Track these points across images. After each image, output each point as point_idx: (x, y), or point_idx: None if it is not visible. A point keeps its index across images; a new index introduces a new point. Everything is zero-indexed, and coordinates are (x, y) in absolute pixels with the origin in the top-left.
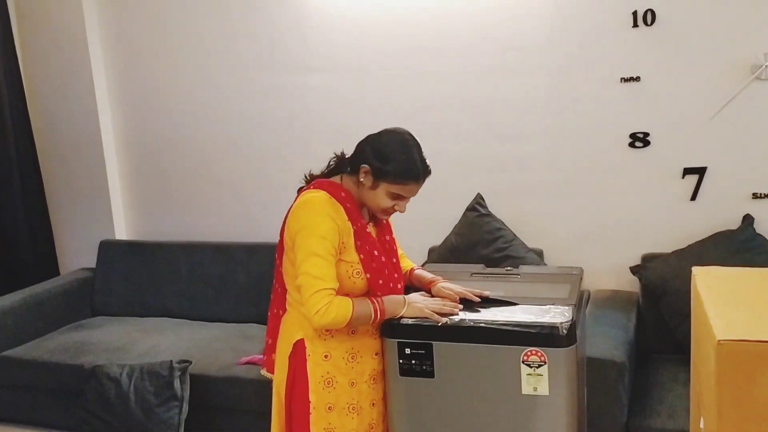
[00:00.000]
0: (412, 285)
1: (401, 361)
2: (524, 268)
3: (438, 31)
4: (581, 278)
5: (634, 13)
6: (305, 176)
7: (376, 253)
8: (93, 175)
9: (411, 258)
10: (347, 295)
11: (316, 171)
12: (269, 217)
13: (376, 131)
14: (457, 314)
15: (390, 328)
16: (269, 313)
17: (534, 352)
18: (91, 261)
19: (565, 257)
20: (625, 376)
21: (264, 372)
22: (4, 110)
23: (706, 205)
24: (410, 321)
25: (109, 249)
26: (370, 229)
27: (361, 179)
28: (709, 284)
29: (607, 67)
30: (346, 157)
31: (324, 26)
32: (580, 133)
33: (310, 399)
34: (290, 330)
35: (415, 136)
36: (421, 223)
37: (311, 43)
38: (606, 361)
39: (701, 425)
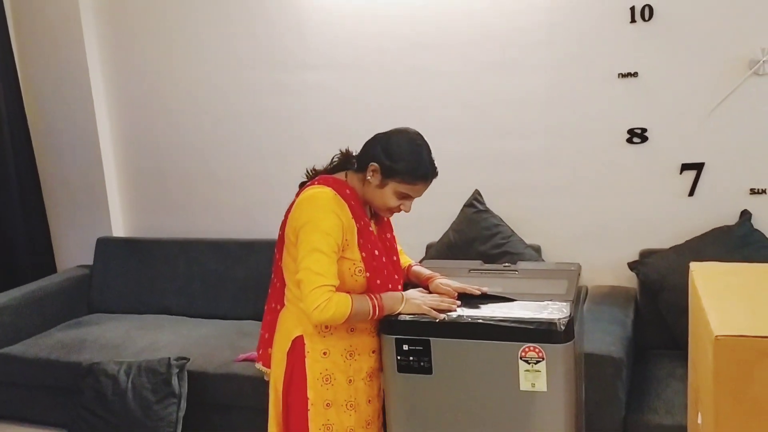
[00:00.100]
0: (409, 281)
1: (399, 357)
2: (522, 264)
3: (436, 29)
4: (579, 274)
5: (632, 9)
6: (307, 171)
7: (376, 252)
8: (90, 172)
9: (409, 254)
10: (348, 292)
11: (317, 167)
12: (267, 214)
13: (376, 129)
14: (455, 310)
15: (388, 324)
16: (266, 307)
17: (532, 348)
18: (88, 258)
19: (563, 253)
20: (622, 371)
21: (259, 366)
22: (0, 109)
23: (703, 201)
24: (408, 317)
25: (107, 246)
26: (372, 227)
27: (369, 177)
28: (707, 280)
29: (604, 63)
30: (353, 154)
31: (323, 24)
32: (578, 129)
33: (308, 395)
34: (288, 326)
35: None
36: (418, 220)
37: (310, 41)
38: (604, 357)
39: (699, 420)
